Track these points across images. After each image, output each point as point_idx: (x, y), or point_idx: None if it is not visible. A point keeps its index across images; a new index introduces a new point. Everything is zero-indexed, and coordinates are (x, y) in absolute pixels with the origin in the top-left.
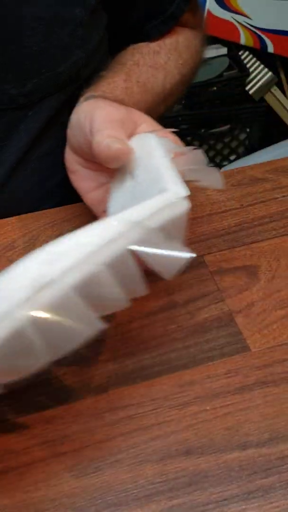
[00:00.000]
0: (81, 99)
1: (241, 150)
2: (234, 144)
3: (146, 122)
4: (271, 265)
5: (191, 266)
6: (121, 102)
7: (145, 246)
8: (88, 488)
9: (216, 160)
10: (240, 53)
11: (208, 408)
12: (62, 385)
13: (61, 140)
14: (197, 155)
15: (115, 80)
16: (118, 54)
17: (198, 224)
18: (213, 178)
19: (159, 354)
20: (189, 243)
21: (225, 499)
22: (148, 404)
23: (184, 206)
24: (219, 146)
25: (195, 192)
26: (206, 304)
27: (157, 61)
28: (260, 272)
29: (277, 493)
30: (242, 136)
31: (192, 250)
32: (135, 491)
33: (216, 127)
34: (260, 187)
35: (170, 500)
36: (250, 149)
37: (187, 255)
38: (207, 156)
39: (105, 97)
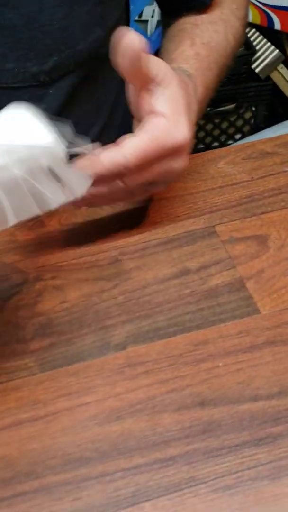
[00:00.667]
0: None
1: (246, 129)
2: (239, 122)
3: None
4: (280, 235)
5: (203, 235)
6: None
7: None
8: (111, 435)
9: (221, 139)
10: (247, 31)
11: (220, 364)
12: (84, 343)
13: (82, 117)
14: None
15: (184, 50)
16: (173, 24)
17: (210, 195)
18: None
19: (174, 316)
20: (201, 214)
21: (237, 445)
22: (164, 361)
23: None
24: (224, 124)
25: (207, 165)
26: (218, 270)
27: (213, 15)
28: (269, 241)
29: (286, 440)
30: (248, 114)
31: (205, 221)
32: (153, 437)
33: (222, 105)
34: (270, 160)
35: (186, 446)
36: (256, 128)
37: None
38: (212, 135)
39: (189, 75)
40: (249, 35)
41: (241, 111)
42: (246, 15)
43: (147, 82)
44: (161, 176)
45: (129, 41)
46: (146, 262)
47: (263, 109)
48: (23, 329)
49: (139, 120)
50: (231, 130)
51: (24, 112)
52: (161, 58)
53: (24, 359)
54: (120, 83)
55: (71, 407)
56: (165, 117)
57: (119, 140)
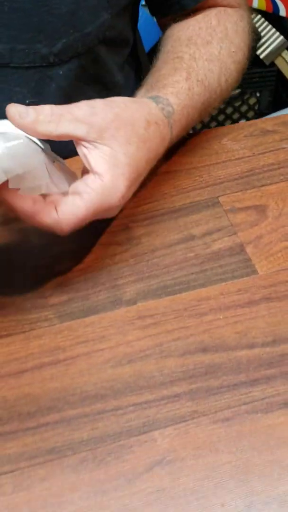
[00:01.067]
0: (142, 93)
1: (251, 114)
2: (244, 108)
3: (113, 150)
4: (278, 205)
5: (207, 205)
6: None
7: None
8: (123, 375)
9: (226, 124)
10: (252, 16)
11: (221, 317)
12: (98, 299)
13: (89, 97)
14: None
15: (178, 80)
16: (169, 40)
17: (214, 169)
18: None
19: (180, 276)
20: (206, 186)
21: (235, 384)
22: (170, 314)
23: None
24: (229, 110)
25: (211, 141)
26: (221, 236)
27: (211, 53)
28: (268, 211)
29: (277, 381)
30: (252, 100)
31: (209, 192)
32: (161, 377)
33: None
34: (270, 138)
35: (190, 385)
36: (260, 114)
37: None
38: (217, 119)
39: (167, 115)
40: (254, 21)
41: (246, 97)
42: (243, 61)
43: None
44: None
45: None
46: (154, 229)
47: (267, 95)
48: (42, 286)
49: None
50: (235, 116)
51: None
52: (151, 70)
53: (44, 312)
54: (126, 66)
55: (88, 352)
56: (102, 180)
57: (57, 200)
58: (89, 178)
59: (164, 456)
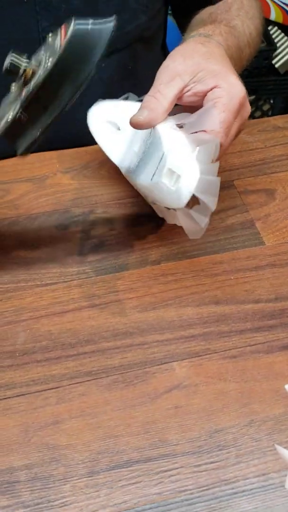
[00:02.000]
0: (189, 33)
1: None
2: (257, 114)
3: (205, 70)
4: (285, 189)
5: (223, 187)
6: (217, 40)
7: None
8: (148, 319)
9: None
10: (269, 28)
11: (232, 278)
12: (128, 258)
13: (129, 89)
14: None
15: (210, 26)
16: (191, 25)
17: (230, 157)
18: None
19: (198, 243)
20: (223, 171)
21: (242, 330)
22: (189, 273)
23: None
24: None
25: None
26: (234, 213)
27: (232, 15)
28: (276, 194)
29: (278, 329)
30: (266, 106)
31: (225, 176)
32: (179, 322)
33: None
34: (281, 133)
35: (204, 328)
36: None
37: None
38: None
39: (207, 35)
40: (271, 32)
41: (260, 103)
42: (259, 28)
43: None
44: (239, 129)
45: None
46: None
47: (280, 102)
48: (81, 246)
49: None
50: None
51: None
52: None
53: (82, 267)
54: (158, 63)
55: (119, 299)
56: (221, 87)
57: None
58: (210, 95)
59: (181, 381)
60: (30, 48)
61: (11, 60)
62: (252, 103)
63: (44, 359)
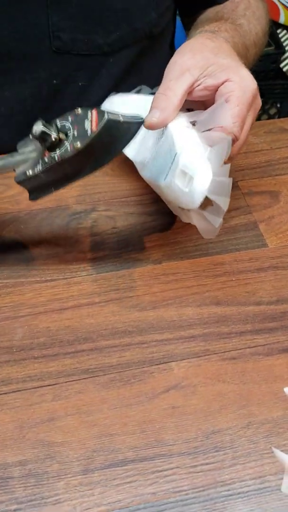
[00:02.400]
0: (194, 31)
1: None
2: (264, 117)
3: (215, 64)
4: None
5: None
6: (224, 37)
7: None
8: (148, 318)
9: None
10: (278, 31)
11: (233, 279)
12: (129, 257)
13: (136, 85)
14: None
15: (215, 24)
16: (197, 20)
17: (236, 158)
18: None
19: (200, 244)
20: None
21: (242, 332)
22: (190, 273)
23: None
24: None
25: None
26: (238, 214)
27: (238, 14)
28: (280, 196)
29: (278, 332)
30: (273, 111)
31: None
32: (179, 322)
33: None
34: (287, 135)
35: (204, 329)
36: None
37: None
38: None
39: (213, 32)
40: (280, 35)
41: (267, 107)
42: (265, 29)
43: None
44: (253, 120)
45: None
46: None
47: (287, 106)
48: (82, 244)
49: None
50: None
51: None
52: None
53: (83, 264)
54: (166, 60)
55: (119, 298)
56: (232, 81)
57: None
58: (222, 89)
59: (179, 382)
60: (39, 43)
61: (42, 129)
62: None
63: (41, 356)
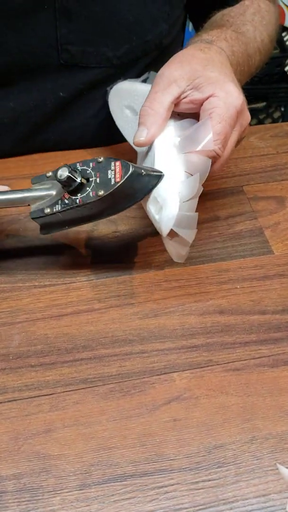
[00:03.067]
0: (191, 40)
1: None
2: (268, 121)
3: (202, 76)
4: None
5: (232, 192)
6: (220, 46)
7: None
8: (149, 326)
9: None
10: (283, 34)
11: (238, 287)
12: (130, 262)
13: None
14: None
15: (215, 31)
16: (205, 25)
17: (241, 162)
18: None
19: (204, 250)
20: (232, 176)
21: (246, 342)
22: (193, 280)
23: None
24: (253, 122)
25: None
26: (243, 220)
27: (244, 20)
28: (286, 201)
29: (284, 343)
30: (277, 114)
31: (235, 181)
32: (182, 331)
33: (252, 103)
34: None
35: (207, 339)
36: None
37: None
38: None
39: (209, 42)
40: (285, 39)
41: (271, 110)
42: (274, 36)
43: None
44: (240, 137)
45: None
46: None
47: None
48: (83, 248)
49: None
50: None
51: None
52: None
53: (83, 269)
54: None
55: (120, 304)
56: (217, 96)
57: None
58: (206, 105)
59: (181, 393)
60: (46, 56)
61: (68, 175)
62: (262, 110)
63: (38, 364)
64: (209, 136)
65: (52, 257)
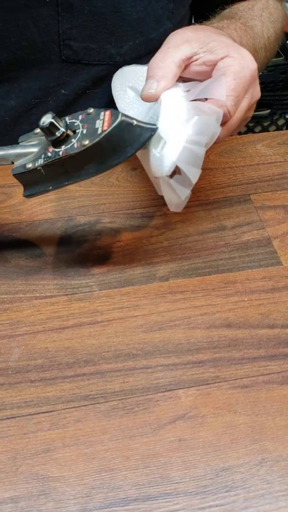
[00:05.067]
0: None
1: None
2: (272, 128)
3: (216, 40)
4: None
5: (239, 201)
6: (230, 34)
7: None
8: (153, 340)
9: None
10: None
11: (246, 299)
12: (134, 273)
13: None
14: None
15: (225, 22)
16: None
17: (248, 170)
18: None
19: (210, 260)
20: (239, 184)
21: (255, 357)
22: (199, 292)
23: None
24: (257, 129)
25: (247, 145)
26: (250, 229)
27: (253, 14)
28: None
29: None
30: (281, 121)
31: (242, 190)
32: (187, 345)
33: (257, 110)
34: None
35: (214, 354)
36: None
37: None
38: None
39: (220, 28)
40: None
41: (275, 117)
42: (281, 34)
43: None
44: (248, 109)
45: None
46: (189, 217)
47: None
48: (85, 258)
49: None
50: None
51: None
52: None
53: (85, 280)
54: None
55: (123, 317)
56: (232, 57)
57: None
58: (220, 64)
59: (186, 411)
60: (48, 52)
61: (51, 121)
62: (267, 117)
63: (38, 379)
64: (222, 88)
65: (54, 268)
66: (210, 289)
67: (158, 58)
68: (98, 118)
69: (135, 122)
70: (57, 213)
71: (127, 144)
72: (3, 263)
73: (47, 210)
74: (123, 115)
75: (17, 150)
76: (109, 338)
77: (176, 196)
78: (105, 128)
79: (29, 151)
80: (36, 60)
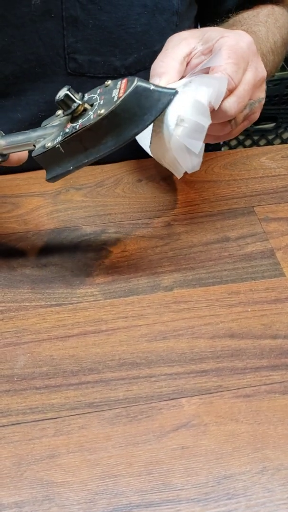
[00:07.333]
0: None
1: None
2: (277, 142)
3: (212, 30)
4: None
5: (243, 213)
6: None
7: None
8: (157, 349)
9: None
10: None
11: (249, 310)
12: (139, 283)
13: None
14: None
15: (226, 27)
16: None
17: (251, 183)
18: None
19: (214, 271)
20: (243, 196)
21: (257, 367)
22: (203, 302)
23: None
24: (262, 142)
25: (251, 158)
26: (254, 241)
27: (257, 20)
28: None
29: None
30: (286, 135)
31: (245, 202)
32: (191, 355)
33: (261, 123)
34: None
35: (217, 364)
36: None
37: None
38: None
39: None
40: None
41: (280, 131)
42: (287, 39)
43: None
44: (258, 87)
45: None
46: (194, 228)
47: None
48: (90, 267)
49: None
50: None
51: None
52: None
53: (90, 289)
54: None
55: (127, 326)
56: (227, 36)
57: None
58: (216, 45)
59: (189, 420)
60: (54, 65)
61: (66, 93)
62: (271, 131)
63: (43, 386)
64: (221, 58)
65: (59, 276)
66: (214, 300)
67: (158, 59)
68: (115, 88)
69: (152, 87)
70: (63, 223)
71: (145, 111)
72: (10, 271)
73: (53, 220)
74: (140, 79)
75: (38, 133)
76: (113, 347)
77: (190, 155)
78: (120, 95)
79: (50, 132)
80: (42, 74)
